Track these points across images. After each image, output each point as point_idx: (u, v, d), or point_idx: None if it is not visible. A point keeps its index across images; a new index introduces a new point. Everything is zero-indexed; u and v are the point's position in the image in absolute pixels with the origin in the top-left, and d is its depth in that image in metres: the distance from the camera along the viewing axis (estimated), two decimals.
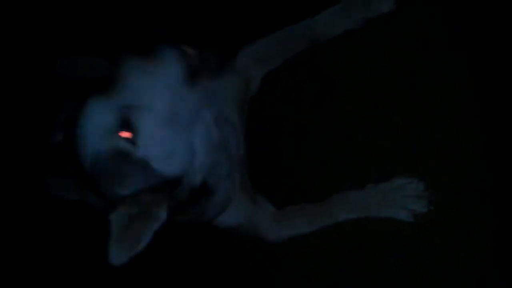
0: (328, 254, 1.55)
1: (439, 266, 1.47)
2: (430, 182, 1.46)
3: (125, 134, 1.01)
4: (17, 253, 1.79)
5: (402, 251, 1.49)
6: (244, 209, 1.46)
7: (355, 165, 1.54)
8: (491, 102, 1.45)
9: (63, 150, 1.48)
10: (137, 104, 1.01)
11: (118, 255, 0.99)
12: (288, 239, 1.51)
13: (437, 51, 1.48)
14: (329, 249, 1.55)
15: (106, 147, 1.01)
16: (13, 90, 1.82)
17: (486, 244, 1.43)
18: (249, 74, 1.56)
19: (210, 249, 1.65)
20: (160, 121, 1.03)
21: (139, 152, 1.02)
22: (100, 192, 1.07)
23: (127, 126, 1.01)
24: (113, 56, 1.05)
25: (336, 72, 1.57)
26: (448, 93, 1.48)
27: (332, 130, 1.57)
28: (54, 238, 1.75)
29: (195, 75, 1.05)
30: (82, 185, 1.17)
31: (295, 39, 1.56)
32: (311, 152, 1.58)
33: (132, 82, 1.02)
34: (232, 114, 1.45)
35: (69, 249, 1.75)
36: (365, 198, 1.47)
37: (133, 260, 1.00)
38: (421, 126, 1.50)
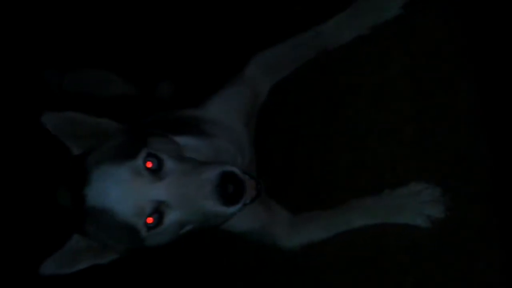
0: (344, 262, 1.52)
1: (457, 275, 1.44)
2: (444, 188, 1.44)
3: (150, 221, 1.08)
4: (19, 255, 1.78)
5: (419, 258, 1.47)
6: (257, 214, 1.44)
7: (369, 172, 1.52)
8: (502, 109, 1.46)
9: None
10: (171, 202, 1.08)
11: (48, 268, 1.09)
12: (303, 246, 1.49)
13: (449, 57, 1.48)
14: (345, 257, 1.52)
15: (125, 218, 1.07)
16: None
17: (499, 254, 1.40)
18: (258, 83, 1.56)
19: (225, 256, 1.63)
20: (175, 223, 1.10)
21: (145, 234, 1.08)
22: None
23: (158, 216, 1.08)
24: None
25: (348, 79, 1.57)
26: (461, 100, 1.48)
27: (344, 138, 1.56)
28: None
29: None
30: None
31: (303, 47, 1.56)
32: (325, 160, 1.57)
33: (172, 181, 1.08)
34: (238, 125, 1.45)
35: None
36: (382, 204, 1.46)
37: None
38: (434, 132, 1.49)
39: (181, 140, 1.20)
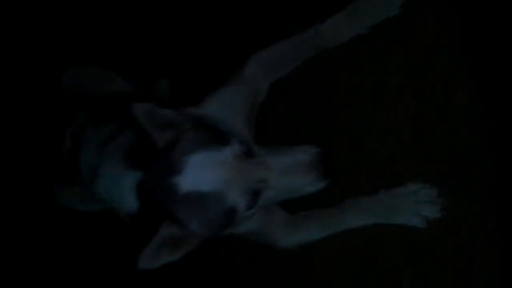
0: (343, 262, 1.53)
1: (453, 275, 1.45)
2: (442, 188, 1.44)
3: (249, 201, 1.15)
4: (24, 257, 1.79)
5: (419, 258, 1.47)
6: (256, 215, 1.43)
7: (367, 172, 1.53)
8: (501, 109, 1.46)
9: (71, 159, 1.47)
10: (272, 182, 1.17)
11: (145, 261, 1.09)
12: (300, 245, 1.49)
13: (449, 57, 1.48)
14: (344, 257, 1.52)
15: (231, 199, 1.12)
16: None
17: (499, 254, 1.41)
18: (257, 82, 1.55)
19: (226, 256, 1.62)
20: (266, 202, 1.20)
21: (241, 215, 1.15)
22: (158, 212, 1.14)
23: (255, 196, 1.16)
24: None
25: (348, 79, 1.57)
26: (461, 100, 1.48)
27: (344, 138, 1.56)
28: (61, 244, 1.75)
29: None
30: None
31: (302, 46, 1.55)
32: None
33: (273, 162, 1.18)
34: (239, 123, 1.45)
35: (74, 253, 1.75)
36: (378, 204, 1.46)
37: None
38: (433, 132, 1.49)
39: None
